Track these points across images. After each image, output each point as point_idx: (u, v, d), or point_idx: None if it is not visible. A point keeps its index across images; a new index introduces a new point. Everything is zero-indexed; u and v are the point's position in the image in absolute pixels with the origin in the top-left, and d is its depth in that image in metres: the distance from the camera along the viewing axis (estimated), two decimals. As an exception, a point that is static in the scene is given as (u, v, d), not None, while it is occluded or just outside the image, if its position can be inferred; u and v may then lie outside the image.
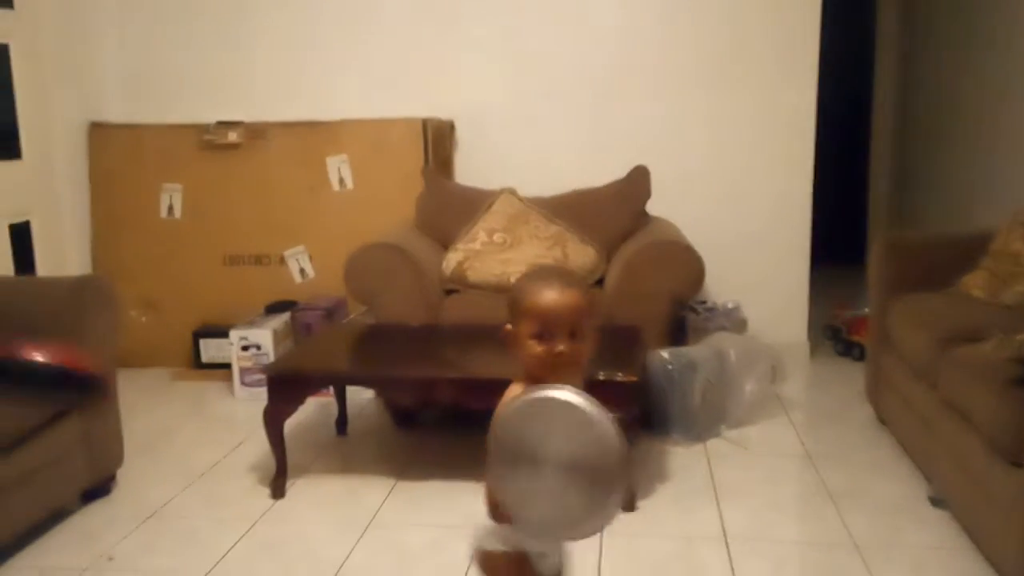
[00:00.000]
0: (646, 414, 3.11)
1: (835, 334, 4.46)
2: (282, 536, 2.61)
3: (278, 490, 2.86)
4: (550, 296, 1.48)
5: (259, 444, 3.07)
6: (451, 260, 3.63)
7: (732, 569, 2.36)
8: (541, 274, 1.59)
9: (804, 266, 4.30)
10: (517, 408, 1.37)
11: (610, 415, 1.35)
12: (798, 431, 3.36)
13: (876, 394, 3.37)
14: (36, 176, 4.00)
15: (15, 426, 2.41)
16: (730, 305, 4.07)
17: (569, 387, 1.36)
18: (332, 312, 3.98)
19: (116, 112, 4.41)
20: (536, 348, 1.48)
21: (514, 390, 1.50)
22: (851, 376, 3.94)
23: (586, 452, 1.31)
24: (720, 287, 4.14)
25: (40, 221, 4.00)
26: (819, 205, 4.29)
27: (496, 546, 1.50)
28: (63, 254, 4.14)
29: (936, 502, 2.65)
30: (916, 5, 5.62)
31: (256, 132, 4.22)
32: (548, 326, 1.47)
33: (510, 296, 1.55)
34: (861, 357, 4.08)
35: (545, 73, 4.27)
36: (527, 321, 1.49)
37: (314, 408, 3.55)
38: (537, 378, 1.46)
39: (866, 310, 3.78)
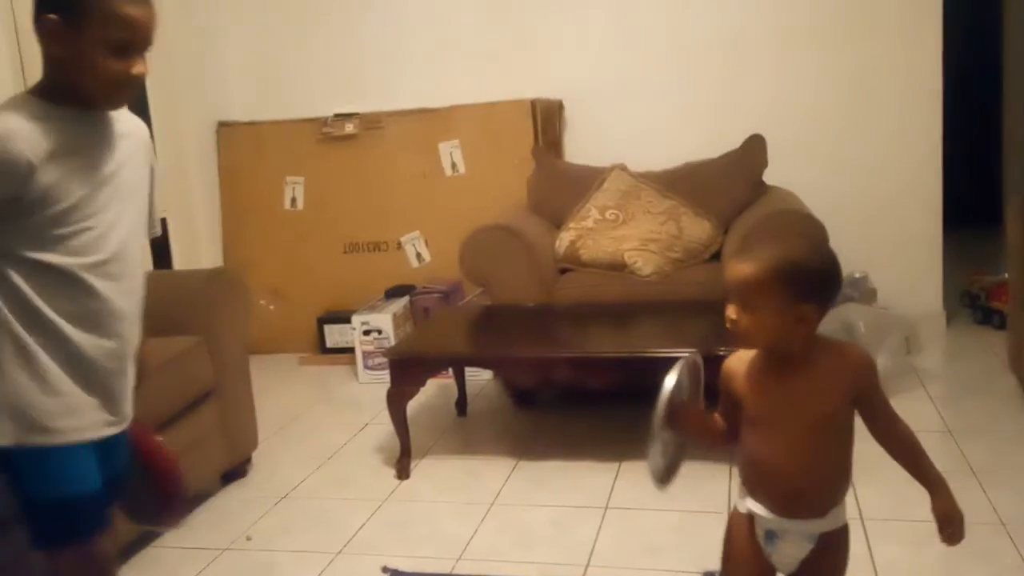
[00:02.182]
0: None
1: (973, 301, 4.22)
2: (409, 516, 2.68)
3: (403, 471, 2.93)
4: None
5: (383, 426, 3.15)
6: (564, 239, 3.62)
7: (870, 550, 2.28)
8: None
9: (937, 231, 4.08)
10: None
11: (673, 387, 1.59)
12: (936, 405, 3.21)
13: (1020, 363, 3.17)
14: (170, 175, 4.20)
15: (162, 409, 2.55)
16: (857, 275, 3.90)
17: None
18: (449, 295, 4.04)
19: (240, 111, 4.59)
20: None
21: (857, 351, 1.57)
22: (992, 345, 3.74)
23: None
24: (847, 256, 3.85)
25: (175, 218, 4.20)
26: (950, 166, 4.06)
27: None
28: (197, 248, 4.35)
29: None
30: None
31: (371, 122, 4.32)
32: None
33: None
34: (1002, 325, 3.84)
35: (651, 45, 4.18)
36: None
37: (435, 390, 3.62)
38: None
39: (1005, 275, 3.56)
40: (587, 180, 3.84)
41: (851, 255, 3.96)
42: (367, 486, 2.88)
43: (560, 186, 3.89)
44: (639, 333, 3.24)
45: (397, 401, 2.93)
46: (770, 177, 3.76)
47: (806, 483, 1.50)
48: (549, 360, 2.92)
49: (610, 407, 3.27)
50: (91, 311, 1.60)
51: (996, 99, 5.84)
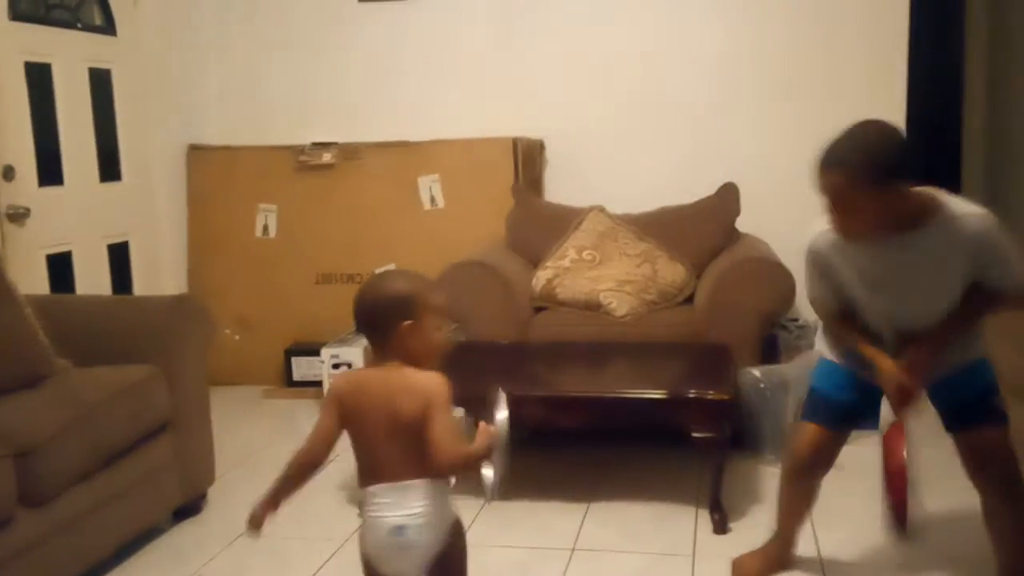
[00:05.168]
0: (738, 433, 3.01)
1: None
2: (369, 557, 2.58)
3: (366, 510, 2.84)
4: (443, 293, 1.76)
5: (348, 463, 3.04)
6: (540, 278, 3.58)
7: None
8: (414, 275, 1.79)
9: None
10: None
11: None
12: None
13: None
14: (135, 197, 4.12)
15: (114, 440, 2.45)
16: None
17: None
18: (421, 331, 3.97)
19: (213, 135, 4.52)
20: (439, 339, 1.73)
21: (428, 377, 1.68)
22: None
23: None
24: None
25: (138, 241, 4.11)
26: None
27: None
28: (159, 274, 4.25)
29: None
30: (1004, 28, 5.36)
31: (350, 153, 4.27)
32: (445, 319, 1.77)
33: (405, 293, 1.71)
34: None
35: (633, 91, 4.20)
36: (433, 315, 1.71)
37: (402, 427, 3.52)
38: (426, 367, 1.70)
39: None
40: (565, 220, 3.82)
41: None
42: (329, 525, 2.78)
43: (538, 225, 3.86)
44: (612, 374, 3.20)
45: (362, 438, 2.84)
46: (743, 225, 3.78)
47: None
48: (521, 399, 2.85)
49: (579, 447, 3.22)
50: None
51: (958, 162, 5.96)
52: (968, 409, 2.06)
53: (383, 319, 1.69)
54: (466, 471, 1.66)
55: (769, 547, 2.37)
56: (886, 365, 2.00)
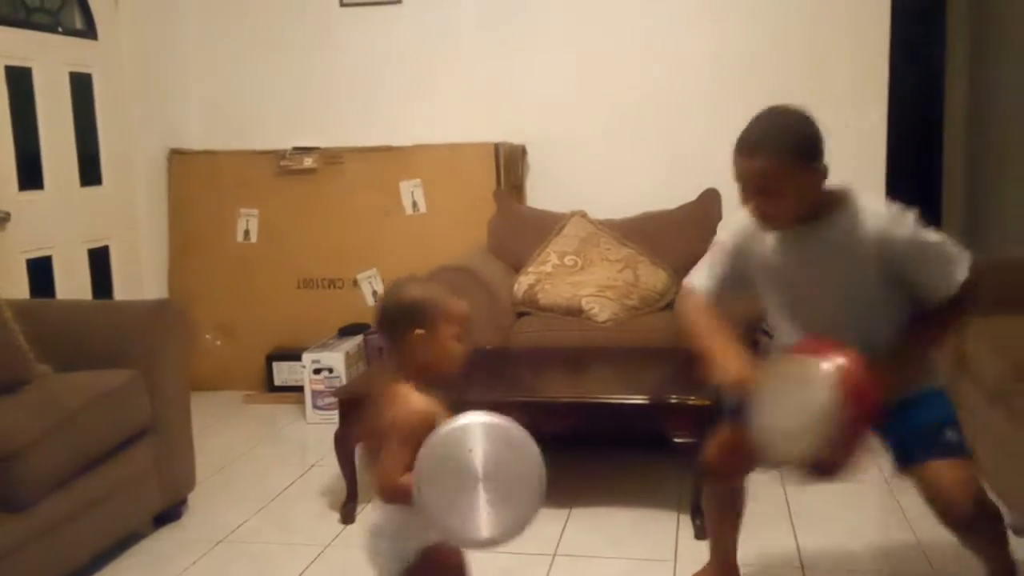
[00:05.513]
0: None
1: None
2: (352, 562, 2.56)
3: (348, 515, 2.83)
4: (462, 301, 1.73)
5: (330, 468, 3.05)
6: (522, 283, 3.59)
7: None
8: (430, 283, 1.79)
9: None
10: (448, 432, 1.54)
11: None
12: (875, 455, 3.21)
13: (957, 378, 3.18)
14: (116, 202, 4.10)
15: (94, 445, 2.44)
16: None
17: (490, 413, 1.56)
18: (403, 336, 3.96)
19: (195, 139, 4.51)
20: (458, 349, 1.70)
21: (409, 392, 1.66)
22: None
23: (511, 466, 1.54)
24: None
25: (118, 246, 4.09)
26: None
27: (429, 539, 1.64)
28: (140, 278, 4.23)
29: (1018, 530, 2.48)
30: (986, 32, 5.42)
31: (331, 158, 4.26)
32: (466, 328, 1.72)
33: (418, 301, 1.69)
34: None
35: (616, 97, 4.21)
36: (450, 324, 1.68)
37: (384, 432, 3.52)
38: (438, 375, 1.69)
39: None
40: (547, 225, 3.83)
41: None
42: (310, 530, 2.77)
43: (520, 230, 3.87)
44: (593, 379, 3.21)
45: (345, 443, 2.83)
46: (724, 231, 3.79)
47: None
48: (503, 404, 2.84)
49: (561, 452, 3.21)
50: None
51: (939, 167, 6.02)
52: (916, 441, 1.87)
53: (396, 327, 1.69)
54: (401, 502, 1.58)
55: (707, 570, 2.29)
56: (724, 361, 1.89)
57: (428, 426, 1.56)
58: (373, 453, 1.66)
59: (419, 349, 1.66)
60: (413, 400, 1.64)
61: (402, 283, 1.78)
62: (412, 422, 1.59)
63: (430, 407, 1.63)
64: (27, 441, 2.21)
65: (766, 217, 1.87)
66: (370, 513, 1.71)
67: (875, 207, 1.85)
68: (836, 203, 1.86)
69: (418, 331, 1.65)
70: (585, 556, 2.56)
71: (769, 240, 1.94)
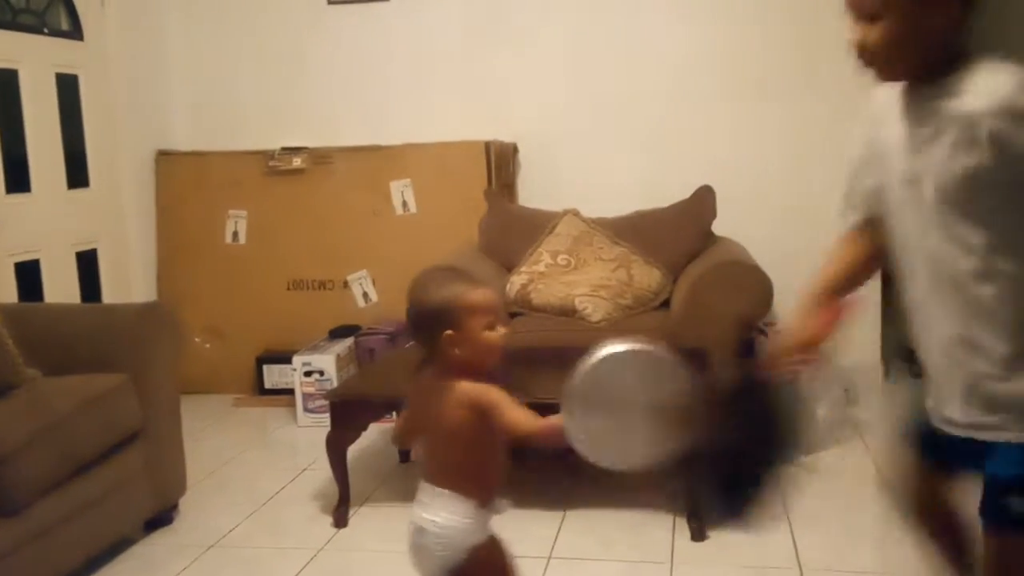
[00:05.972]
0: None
1: (910, 355, 4.25)
2: (344, 565, 2.56)
3: (340, 519, 2.81)
4: (483, 288, 1.69)
5: (322, 471, 3.03)
6: (515, 283, 3.57)
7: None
8: (449, 278, 1.73)
9: (875, 285, 4.11)
10: (598, 360, 1.50)
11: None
12: (873, 456, 3.21)
13: None
14: (103, 204, 4.07)
15: (84, 450, 2.41)
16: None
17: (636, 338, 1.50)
18: (395, 336, 3.94)
19: (182, 140, 4.47)
20: (493, 338, 1.66)
21: (464, 383, 1.64)
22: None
23: (662, 393, 1.47)
24: (790, 308, 3.99)
25: (106, 248, 4.06)
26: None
27: (481, 536, 1.67)
28: (128, 281, 4.19)
29: None
30: (985, 30, 5.43)
31: (320, 157, 4.24)
32: (497, 312, 1.68)
33: (439, 305, 1.65)
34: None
35: (607, 94, 4.19)
36: (477, 317, 1.64)
37: (377, 434, 3.50)
38: (479, 369, 1.65)
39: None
40: (539, 224, 3.82)
41: (794, 306, 4.00)
42: (302, 534, 2.75)
43: (512, 229, 3.85)
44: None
45: (337, 446, 2.81)
46: (719, 228, 3.78)
47: None
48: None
49: (556, 455, 3.20)
50: None
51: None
52: (983, 495, 1.44)
53: (425, 332, 1.67)
54: (555, 442, 1.56)
55: None
56: (801, 323, 1.55)
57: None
58: (438, 443, 1.69)
59: (454, 349, 1.64)
60: (471, 385, 1.64)
61: (422, 286, 1.75)
62: (491, 391, 1.62)
63: (489, 388, 1.65)
64: (16, 446, 2.19)
65: (865, 57, 1.41)
66: (414, 511, 1.69)
67: (1008, 68, 1.30)
68: (962, 58, 1.35)
69: (448, 332, 1.63)
70: (580, 559, 2.55)
71: (894, 115, 1.45)
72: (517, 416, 1.61)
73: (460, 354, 1.64)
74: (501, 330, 1.69)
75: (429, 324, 1.65)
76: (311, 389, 3.79)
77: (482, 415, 1.62)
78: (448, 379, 1.65)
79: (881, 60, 1.39)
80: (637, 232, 3.74)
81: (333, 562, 2.58)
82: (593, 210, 3.85)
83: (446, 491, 1.67)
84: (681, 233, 3.71)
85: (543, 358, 3.31)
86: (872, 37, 1.36)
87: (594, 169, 4.19)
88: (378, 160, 4.19)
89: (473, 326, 1.64)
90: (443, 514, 1.66)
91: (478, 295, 1.67)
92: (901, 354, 4.29)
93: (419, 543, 1.68)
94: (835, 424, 3.33)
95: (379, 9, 4.30)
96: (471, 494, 1.66)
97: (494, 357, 1.68)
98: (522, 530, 2.71)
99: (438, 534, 1.65)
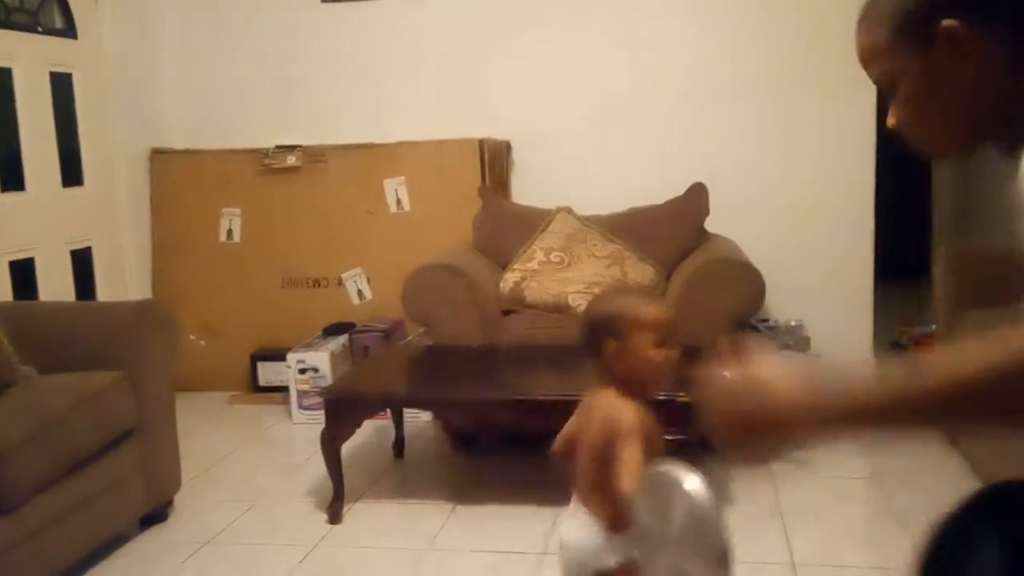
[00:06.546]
0: (708, 436, 3.02)
1: (901, 351, 4.29)
2: (340, 562, 2.57)
3: (335, 515, 2.82)
4: (661, 307, 1.67)
5: (316, 468, 3.04)
6: (508, 280, 3.58)
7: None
8: (629, 291, 1.65)
9: (868, 282, 4.15)
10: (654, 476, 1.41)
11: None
12: (864, 452, 3.24)
13: None
14: (98, 202, 4.07)
15: (79, 448, 2.42)
16: (793, 323, 3.94)
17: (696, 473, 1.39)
18: (390, 334, 3.96)
19: (176, 138, 4.47)
20: (658, 357, 1.61)
21: (614, 399, 1.60)
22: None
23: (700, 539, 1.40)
24: (782, 305, 4.01)
25: (101, 246, 4.06)
26: (882, 219, 4.15)
27: (609, 561, 1.58)
28: (123, 279, 4.20)
29: None
30: None
31: (314, 155, 4.25)
32: (669, 334, 1.61)
33: (608, 313, 1.66)
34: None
35: (601, 92, 4.20)
36: (645, 332, 1.60)
37: (371, 431, 3.52)
38: (640, 386, 1.61)
39: (933, 327, 3.62)
40: (533, 221, 3.83)
41: (787, 304, 4.03)
42: (296, 531, 2.76)
43: (506, 226, 3.86)
44: (581, 376, 3.18)
45: (331, 442, 2.82)
46: (711, 225, 3.80)
47: None
48: (490, 402, 2.86)
49: (548, 451, 3.22)
50: None
51: (926, 160, 6.03)
52: None
53: (591, 340, 1.67)
54: (617, 521, 1.52)
55: None
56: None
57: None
58: (582, 455, 1.64)
59: (614, 362, 1.63)
60: (617, 405, 1.60)
61: (602, 296, 1.76)
62: (631, 424, 1.55)
63: (631, 414, 1.58)
64: (11, 443, 2.19)
65: (905, 133, 1.16)
66: (559, 522, 1.70)
67: None
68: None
69: (611, 342, 1.63)
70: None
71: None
72: (629, 464, 1.50)
73: (620, 367, 1.63)
74: (668, 351, 1.63)
75: (596, 332, 1.65)
76: (305, 386, 3.80)
77: (609, 439, 1.57)
78: (605, 390, 1.64)
79: (917, 137, 1.14)
80: (630, 229, 3.76)
81: (327, 558, 2.60)
82: (586, 207, 3.86)
83: (582, 508, 1.64)
84: (674, 230, 3.73)
85: (537, 355, 3.33)
86: (900, 112, 1.13)
87: (587, 167, 4.20)
88: (372, 158, 4.20)
89: (639, 340, 1.61)
90: (574, 531, 1.64)
91: (649, 310, 1.64)
92: (892, 351, 4.33)
93: (558, 556, 1.68)
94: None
95: (372, 7, 4.31)
96: (600, 515, 1.61)
97: (654, 376, 1.64)
98: (515, 527, 2.74)
99: (567, 551, 1.65)
